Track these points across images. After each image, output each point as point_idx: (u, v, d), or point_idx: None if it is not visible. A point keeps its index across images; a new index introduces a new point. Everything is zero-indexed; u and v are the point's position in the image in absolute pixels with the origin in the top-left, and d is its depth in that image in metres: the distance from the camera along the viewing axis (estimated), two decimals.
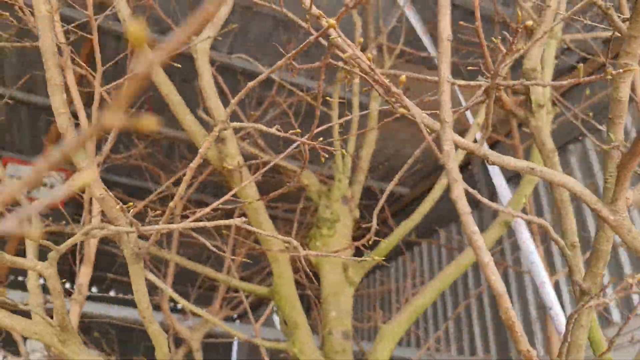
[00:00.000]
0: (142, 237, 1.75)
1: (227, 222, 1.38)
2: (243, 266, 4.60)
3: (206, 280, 4.07)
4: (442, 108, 0.93)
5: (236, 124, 1.40)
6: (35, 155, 6.40)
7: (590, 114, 2.86)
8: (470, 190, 1.04)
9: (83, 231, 1.61)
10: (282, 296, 2.50)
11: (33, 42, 2.50)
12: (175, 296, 2.60)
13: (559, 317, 2.32)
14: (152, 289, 4.61)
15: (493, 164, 1.24)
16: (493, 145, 6.62)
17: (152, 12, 3.98)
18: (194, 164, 1.41)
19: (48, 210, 4.86)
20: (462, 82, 1.61)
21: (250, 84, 1.27)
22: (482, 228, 5.92)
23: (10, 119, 6.21)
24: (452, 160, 0.92)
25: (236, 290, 3.93)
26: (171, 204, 1.45)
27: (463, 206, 0.94)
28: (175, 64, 2.31)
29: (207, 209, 1.52)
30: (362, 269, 2.83)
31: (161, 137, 5.35)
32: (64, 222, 3.11)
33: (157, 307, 4.33)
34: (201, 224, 1.40)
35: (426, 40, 3.14)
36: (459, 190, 0.93)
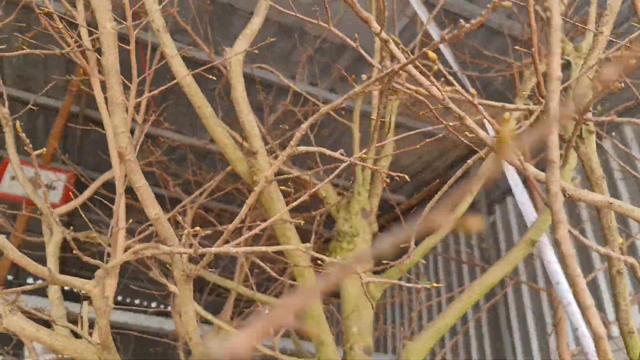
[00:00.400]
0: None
1: (290, 247, 1.36)
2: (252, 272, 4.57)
3: (215, 288, 4.03)
4: (550, 148, 0.92)
5: (303, 148, 1.38)
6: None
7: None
8: (574, 232, 1.03)
9: (132, 250, 1.58)
10: (306, 312, 2.48)
11: (61, 49, 2.46)
12: (199, 308, 2.57)
13: (586, 339, 2.32)
14: (163, 297, 4.57)
15: (570, 197, 1.23)
16: None
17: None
18: (250, 201, 1.38)
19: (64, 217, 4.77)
20: (525, 107, 1.60)
21: (324, 108, 1.25)
22: None
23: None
24: (560, 202, 0.91)
25: (247, 300, 3.90)
26: (230, 226, 1.43)
27: (567, 249, 0.93)
28: (212, 77, 2.29)
29: (257, 229, 1.50)
30: (382, 285, 2.82)
31: (175, 143, 5.31)
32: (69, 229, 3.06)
33: (168, 315, 4.29)
34: (263, 248, 1.38)
35: (448, 55, 3.14)
36: (564, 231, 0.92)
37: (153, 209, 1.47)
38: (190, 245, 1.37)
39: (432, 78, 1.28)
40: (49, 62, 6.27)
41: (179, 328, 3.41)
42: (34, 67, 6.34)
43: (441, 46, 3.28)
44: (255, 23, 2.42)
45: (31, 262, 1.44)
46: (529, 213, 2.60)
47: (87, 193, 2.79)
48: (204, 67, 2.26)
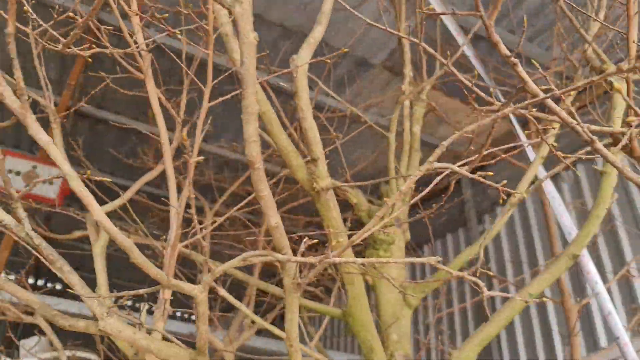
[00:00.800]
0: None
1: (421, 259, 1.39)
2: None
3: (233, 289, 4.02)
4: None
5: (438, 165, 1.42)
6: (32, 149, 6.19)
7: None
8: None
9: (241, 257, 1.59)
10: (356, 319, 2.52)
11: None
12: (251, 314, 2.58)
13: (628, 347, 2.42)
14: (187, 298, 4.53)
15: None
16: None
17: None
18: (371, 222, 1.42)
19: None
20: (619, 130, 1.68)
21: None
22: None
23: (4, 113, 5.99)
24: None
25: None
26: (353, 238, 1.46)
27: None
28: (283, 84, 2.31)
29: (341, 251, 1.53)
30: (421, 292, 2.87)
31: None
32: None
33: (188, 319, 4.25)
34: (391, 260, 1.41)
35: (481, 70, 3.23)
36: None
37: (274, 218, 1.49)
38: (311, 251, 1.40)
39: (572, 109, 1.33)
40: (43, 56, 6.14)
41: (203, 334, 3.39)
42: (28, 60, 6.20)
43: (473, 60, 3.36)
44: (318, 31, 2.44)
45: (151, 266, 1.45)
46: (568, 226, 2.69)
47: (129, 193, 2.75)
48: (273, 75, 2.28)
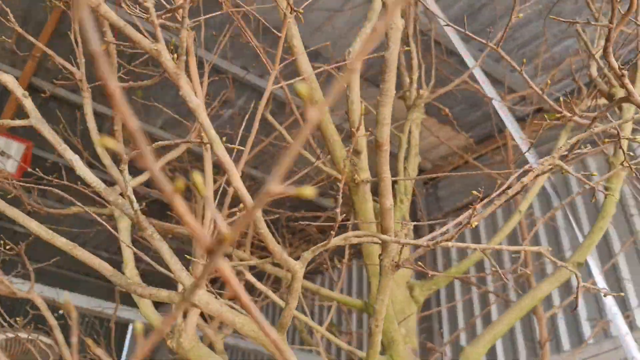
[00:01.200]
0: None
1: (531, 248, 1.48)
2: None
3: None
4: None
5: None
6: None
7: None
8: None
9: (342, 237, 1.63)
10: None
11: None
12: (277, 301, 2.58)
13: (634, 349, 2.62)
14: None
15: None
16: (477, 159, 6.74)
17: None
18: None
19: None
20: None
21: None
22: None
23: None
24: None
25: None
26: (450, 224, 1.53)
27: None
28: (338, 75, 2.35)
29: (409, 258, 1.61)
30: (427, 290, 2.97)
31: None
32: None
33: None
34: (502, 246, 1.49)
35: (490, 90, 3.38)
36: None
37: (389, 200, 1.54)
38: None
39: None
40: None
41: (291, 311, 3.37)
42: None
43: (480, 80, 3.52)
44: (368, 27, 2.50)
45: (272, 240, 1.46)
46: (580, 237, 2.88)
47: (160, 164, 2.70)
48: (332, 66, 2.33)
